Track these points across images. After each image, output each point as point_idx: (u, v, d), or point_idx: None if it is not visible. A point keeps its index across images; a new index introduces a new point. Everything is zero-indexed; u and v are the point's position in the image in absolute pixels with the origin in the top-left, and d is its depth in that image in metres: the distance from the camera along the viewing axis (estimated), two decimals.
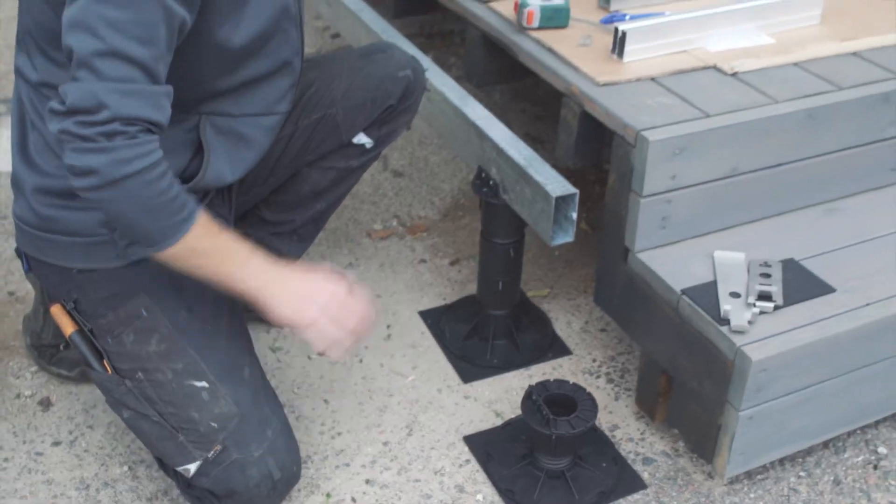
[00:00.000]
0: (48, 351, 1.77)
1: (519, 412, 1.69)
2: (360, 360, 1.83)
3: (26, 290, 1.97)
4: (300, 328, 1.39)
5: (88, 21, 1.17)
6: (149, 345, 1.45)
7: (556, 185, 1.55)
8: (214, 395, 1.45)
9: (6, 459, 1.61)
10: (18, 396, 1.73)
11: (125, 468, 1.60)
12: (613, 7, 1.97)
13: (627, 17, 1.89)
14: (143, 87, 1.21)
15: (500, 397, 1.75)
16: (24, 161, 1.45)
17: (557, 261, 2.11)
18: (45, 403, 1.72)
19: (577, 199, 1.54)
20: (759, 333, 1.45)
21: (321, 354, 1.46)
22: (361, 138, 1.73)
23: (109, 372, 1.47)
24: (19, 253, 1.61)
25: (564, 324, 1.94)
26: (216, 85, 1.41)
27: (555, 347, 1.87)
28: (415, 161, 2.43)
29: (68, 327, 1.50)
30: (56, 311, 1.51)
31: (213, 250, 1.34)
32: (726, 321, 1.46)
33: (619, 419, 1.72)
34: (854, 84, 1.71)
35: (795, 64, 1.78)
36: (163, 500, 1.55)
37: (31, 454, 1.62)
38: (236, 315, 1.56)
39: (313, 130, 1.70)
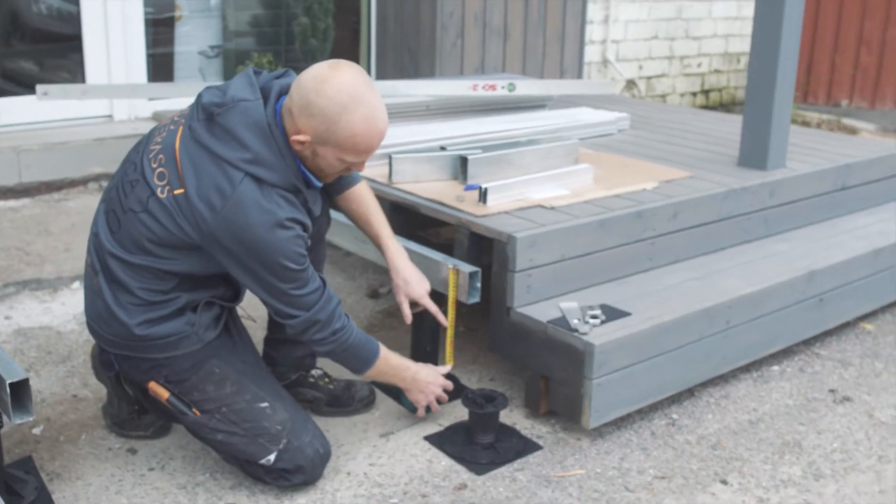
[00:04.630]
0: (126, 424, 2.51)
1: (454, 421, 2.64)
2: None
3: (85, 394, 2.71)
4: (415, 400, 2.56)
5: (284, 301, 2.17)
6: (225, 389, 2.28)
7: (467, 267, 2.61)
8: (274, 409, 2.29)
9: (120, 480, 2.33)
10: (110, 449, 2.46)
11: (207, 475, 2.36)
12: (469, 182, 3.13)
13: (478, 185, 3.04)
14: (324, 297, 2.21)
15: (436, 417, 2.67)
16: (120, 307, 2.17)
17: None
18: (132, 451, 2.46)
19: (479, 273, 2.60)
20: (595, 335, 2.51)
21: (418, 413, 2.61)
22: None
23: (199, 414, 2.28)
24: (105, 362, 2.40)
25: (466, 380, 2.91)
26: None
27: (463, 391, 2.83)
28: None
29: (164, 394, 2.28)
30: (152, 386, 2.29)
31: (386, 372, 2.44)
32: (576, 330, 2.52)
33: (516, 419, 2.68)
34: (619, 208, 2.92)
35: (585, 202, 2.98)
36: (240, 489, 2.31)
37: (135, 476, 2.35)
38: (262, 361, 2.45)
39: None
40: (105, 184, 4.10)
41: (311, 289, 2.17)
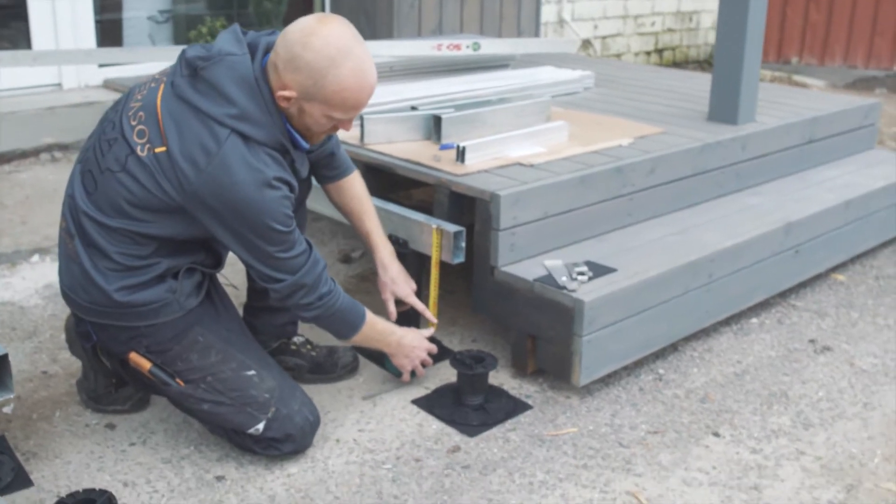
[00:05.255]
0: (103, 398, 2.41)
1: (440, 384, 2.59)
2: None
3: (55, 370, 2.61)
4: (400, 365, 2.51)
5: (269, 265, 2.08)
6: (210, 357, 2.19)
7: (451, 227, 2.55)
8: (261, 377, 2.22)
9: (100, 457, 2.23)
10: (87, 425, 2.36)
11: (191, 448, 2.28)
12: (443, 142, 3.05)
13: (454, 144, 2.97)
14: (310, 260, 2.12)
15: (422, 380, 2.62)
16: (98, 272, 2.07)
17: None
18: (111, 426, 2.36)
19: (464, 233, 2.54)
20: (584, 291, 2.48)
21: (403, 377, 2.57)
22: None
23: (183, 385, 2.19)
24: (82, 333, 2.29)
25: (448, 342, 2.86)
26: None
27: (447, 353, 2.77)
28: None
29: (146, 365, 2.18)
30: (133, 356, 2.19)
31: (371, 337, 2.36)
32: (564, 287, 2.48)
33: (502, 379, 2.64)
34: (598, 164, 2.88)
35: (563, 158, 2.94)
36: (227, 460, 2.24)
37: (116, 451, 2.26)
38: (246, 328, 2.36)
39: None
40: (58, 154, 3.95)
41: (298, 251, 2.09)
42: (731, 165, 3.35)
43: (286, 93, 1.98)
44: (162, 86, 2.03)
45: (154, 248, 2.09)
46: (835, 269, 3.50)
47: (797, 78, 7.08)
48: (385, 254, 2.51)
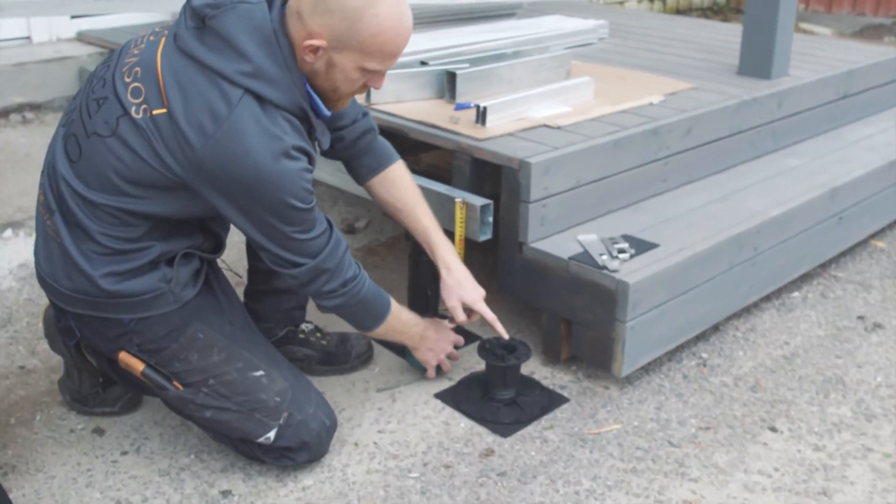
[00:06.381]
0: (90, 399, 2.13)
1: (464, 375, 2.33)
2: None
3: (33, 364, 2.33)
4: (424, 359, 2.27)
5: (286, 247, 1.80)
6: (212, 357, 1.90)
7: (477, 199, 2.27)
8: (271, 378, 1.94)
9: (88, 469, 1.97)
10: (73, 431, 2.09)
11: (192, 456, 2.02)
12: (458, 101, 2.76)
13: (471, 104, 2.68)
14: (332, 241, 1.85)
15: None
16: (82, 254, 1.79)
17: None
18: (99, 431, 2.09)
19: (492, 206, 2.27)
20: (626, 271, 2.22)
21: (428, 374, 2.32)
22: None
23: (182, 388, 1.91)
24: (64, 328, 2.00)
25: (468, 325, 2.60)
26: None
27: (469, 338, 2.52)
28: None
29: (138, 366, 1.89)
30: (123, 356, 1.90)
31: (395, 329, 2.10)
32: (605, 267, 2.22)
33: (533, 368, 2.39)
34: (632, 126, 2.61)
35: (591, 119, 2.65)
36: (233, 471, 1.98)
37: (107, 462, 1.99)
38: (251, 321, 2.08)
39: None
40: (29, 115, 3.62)
41: (318, 232, 1.82)
42: (767, 124, 3.08)
43: (314, 41, 1.68)
44: (163, 39, 1.73)
45: (146, 229, 1.80)
46: (873, 235, 3.26)
47: (804, 25, 6.79)
48: (448, 253, 2.18)
